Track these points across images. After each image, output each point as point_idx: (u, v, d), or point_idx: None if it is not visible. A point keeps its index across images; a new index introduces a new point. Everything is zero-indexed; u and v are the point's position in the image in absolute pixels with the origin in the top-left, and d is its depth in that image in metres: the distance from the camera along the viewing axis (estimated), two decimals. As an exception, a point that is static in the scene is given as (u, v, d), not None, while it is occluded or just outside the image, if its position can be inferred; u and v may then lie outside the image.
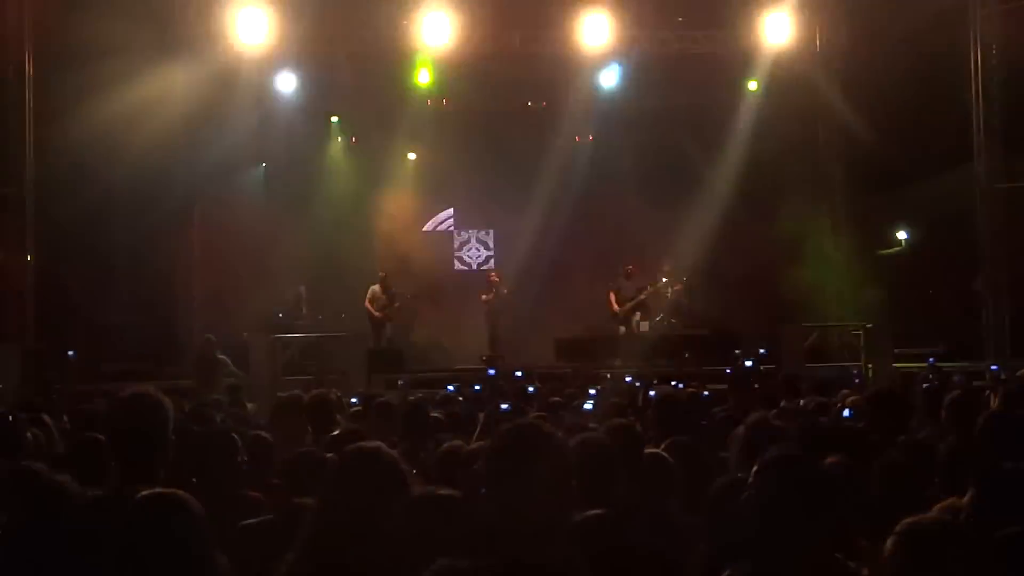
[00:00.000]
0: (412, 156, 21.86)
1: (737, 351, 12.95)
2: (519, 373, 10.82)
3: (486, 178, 21.01)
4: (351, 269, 20.58)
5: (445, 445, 4.97)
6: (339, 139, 21.76)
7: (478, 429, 6.18)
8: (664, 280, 20.14)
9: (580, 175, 21.60)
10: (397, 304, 19.06)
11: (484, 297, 18.84)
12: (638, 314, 18.81)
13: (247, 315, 19.81)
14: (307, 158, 21.42)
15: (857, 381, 10.01)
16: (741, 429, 4.69)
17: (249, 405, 9.66)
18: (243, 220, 20.63)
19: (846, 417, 6.00)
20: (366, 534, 2.56)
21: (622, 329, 18.46)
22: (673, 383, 9.47)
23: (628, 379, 11.62)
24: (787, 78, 19.00)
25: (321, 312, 20.80)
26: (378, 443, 3.02)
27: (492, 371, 9.55)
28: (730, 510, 3.41)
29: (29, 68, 14.35)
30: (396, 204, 21.42)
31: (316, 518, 2.78)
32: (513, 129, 21.55)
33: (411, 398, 8.56)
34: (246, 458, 4.71)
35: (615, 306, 18.58)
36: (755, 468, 3.03)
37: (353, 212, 21.17)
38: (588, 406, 7.27)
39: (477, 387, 9.31)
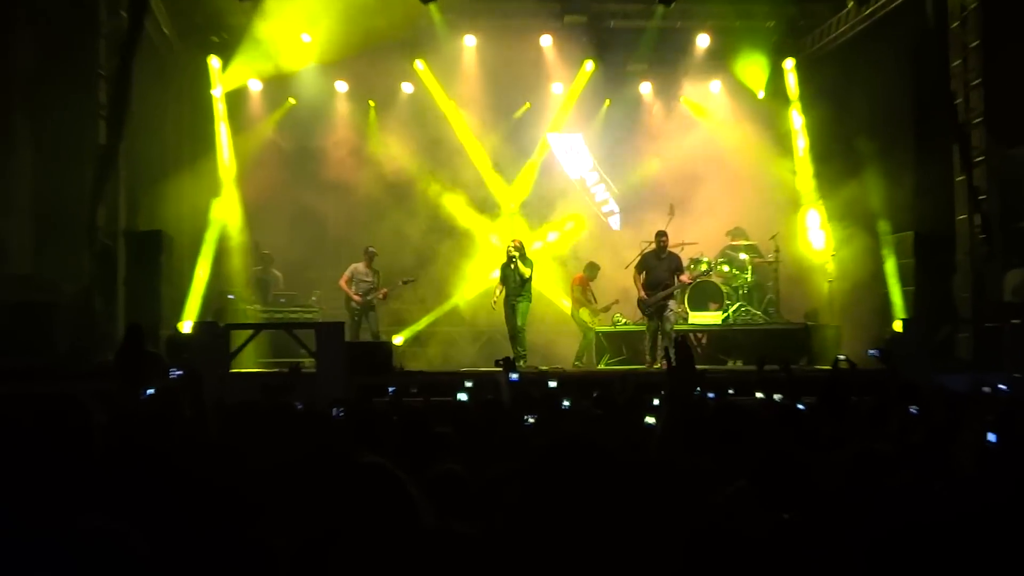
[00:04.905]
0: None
1: (840, 356, 12.43)
2: (553, 384, 10.42)
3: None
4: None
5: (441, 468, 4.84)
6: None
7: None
8: (743, 257, 19.99)
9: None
10: (384, 290, 18.98)
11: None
12: (672, 302, 17.67)
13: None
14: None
15: (1004, 388, 9.88)
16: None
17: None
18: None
19: (991, 442, 5.87)
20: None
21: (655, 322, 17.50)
22: (760, 395, 9.24)
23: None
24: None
25: (290, 292, 20.78)
26: (379, 459, 2.94)
27: (515, 377, 9.37)
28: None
29: None
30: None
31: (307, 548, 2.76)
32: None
33: (406, 408, 8.58)
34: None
35: (642, 292, 17.64)
36: None
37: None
38: (650, 420, 7.16)
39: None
